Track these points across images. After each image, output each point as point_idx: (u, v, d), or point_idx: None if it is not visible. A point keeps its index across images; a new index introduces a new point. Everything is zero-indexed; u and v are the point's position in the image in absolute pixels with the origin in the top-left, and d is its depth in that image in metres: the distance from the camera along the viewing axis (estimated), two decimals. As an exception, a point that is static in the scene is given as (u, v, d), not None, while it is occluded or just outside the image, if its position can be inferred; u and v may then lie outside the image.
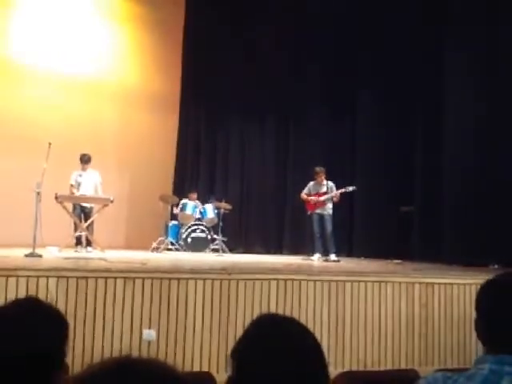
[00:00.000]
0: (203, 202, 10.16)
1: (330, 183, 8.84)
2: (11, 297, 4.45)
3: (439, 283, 5.98)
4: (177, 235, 9.92)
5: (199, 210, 10.02)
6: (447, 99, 8.87)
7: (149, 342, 4.99)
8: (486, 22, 8.21)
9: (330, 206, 8.79)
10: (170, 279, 5.22)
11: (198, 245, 9.59)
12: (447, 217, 8.71)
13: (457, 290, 5.97)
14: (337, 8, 10.22)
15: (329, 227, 8.72)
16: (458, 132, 8.67)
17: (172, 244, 9.78)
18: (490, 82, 8.20)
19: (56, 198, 8.19)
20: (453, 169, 8.71)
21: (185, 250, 9.52)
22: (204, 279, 5.32)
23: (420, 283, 5.92)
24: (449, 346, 5.81)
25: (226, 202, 9.96)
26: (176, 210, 10.02)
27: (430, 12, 9.15)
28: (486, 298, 1.59)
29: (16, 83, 10.18)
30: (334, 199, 8.74)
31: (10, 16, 10.26)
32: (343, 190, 8.75)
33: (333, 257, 8.59)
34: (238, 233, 10.47)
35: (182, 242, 9.68)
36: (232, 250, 9.82)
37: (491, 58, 8.14)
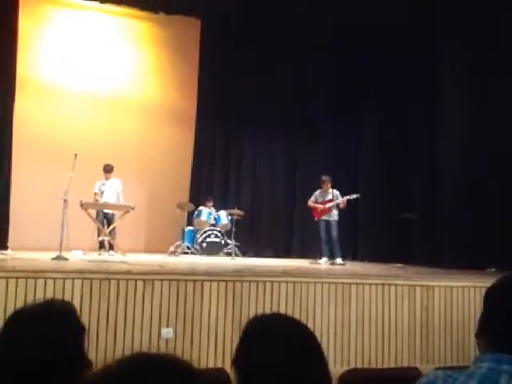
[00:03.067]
0: (217, 208, 10.18)
1: (336, 191, 8.82)
2: (40, 297, 4.47)
3: (439, 286, 5.93)
4: (193, 240, 9.93)
5: (214, 217, 10.03)
6: (445, 111, 8.86)
7: (167, 340, 5.00)
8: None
9: (335, 212, 8.78)
10: (186, 281, 5.22)
11: (213, 249, 9.60)
12: (446, 223, 8.68)
13: (456, 292, 5.93)
14: (339, 26, 10.22)
15: (335, 233, 8.70)
16: (455, 143, 8.65)
17: (188, 248, 9.79)
18: (487, 93, 8.17)
19: (81, 205, 8.25)
20: (451, 179, 8.69)
21: (200, 254, 9.53)
22: (218, 281, 5.32)
23: (421, 286, 5.87)
24: (448, 346, 5.76)
25: (238, 209, 9.96)
26: (192, 217, 10.04)
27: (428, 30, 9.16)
28: (487, 301, 1.57)
29: (47, 100, 10.28)
30: (341, 206, 8.72)
31: (42, 40, 10.37)
32: (348, 198, 8.73)
33: (339, 260, 8.56)
34: (249, 238, 10.45)
35: (197, 246, 9.69)
36: (244, 254, 9.82)
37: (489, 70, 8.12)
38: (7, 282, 4.70)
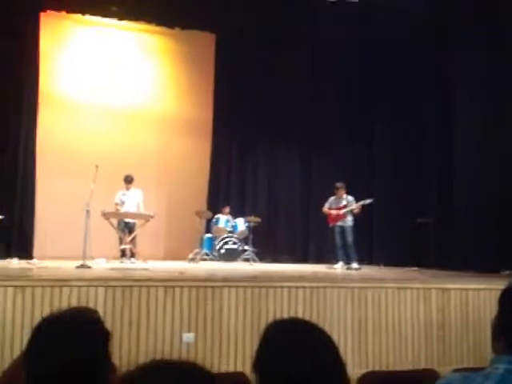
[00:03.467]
0: (234, 216, 10.19)
1: (350, 197, 8.79)
2: (65, 305, 4.52)
3: (455, 289, 5.87)
4: (211, 247, 9.95)
5: (231, 224, 10.05)
6: (458, 116, 8.81)
7: (188, 345, 5.01)
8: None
9: (350, 218, 8.73)
10: (205, 287, 5.24)
11: (231, 255, 9.61)
12: (460, 227, 8.60)
13: (471, 294, 5.86)
14: (352, 36, 10.22)
15: (350, 238, 8.66)
16: (469, 149, 8.59)
17: (207, 255, 9.81)
18: (501, 98, 8.11)
19: (103, 214, 8.32)
20: (464, 183, 8.64)
21: (218, 260, 9.54)
22: (236, 287, 5.33)
23: (437, 289, 5.82)
24: (465, 347, 5.70)
25: (255, 216, 9.96)
26: (210, 224, 10.07)
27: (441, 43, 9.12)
28: (502, 303, 1.56)
29: (69, 114, 10.38)
30: (355, 211, 8.67)
31: (63, 56, 10.50)
32: (362, 203, 8.68)
33: (354, 265, 8.51)
34: (266, 244, 10.44)
35: (215, 253, 9.70)
36: (261, 260, 9.80)
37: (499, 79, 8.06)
38: (33, 291, 4.76)
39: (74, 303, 4.66)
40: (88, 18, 10.34)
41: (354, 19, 9.74)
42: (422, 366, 5.41)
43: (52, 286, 4.82)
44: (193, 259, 9.44)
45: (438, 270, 8.02)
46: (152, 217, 8.81)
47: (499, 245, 7.86)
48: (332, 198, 8.89)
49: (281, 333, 1.35)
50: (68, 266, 6.68)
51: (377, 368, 5.29)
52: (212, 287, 5.25)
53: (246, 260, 9.61)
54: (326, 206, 8.90)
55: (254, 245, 9.84)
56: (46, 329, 1.38)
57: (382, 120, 10.50)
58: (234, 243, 9.74)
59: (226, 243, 9.70)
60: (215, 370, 0.79)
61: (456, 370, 1.63)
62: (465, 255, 8.23)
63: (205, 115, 10.99)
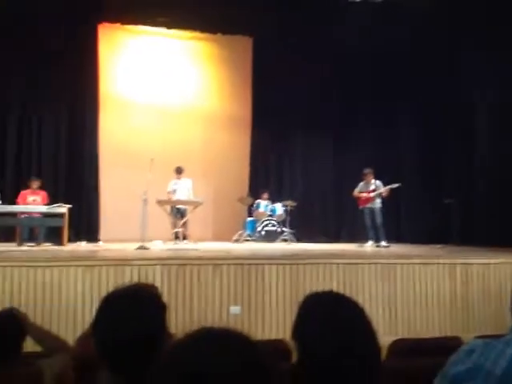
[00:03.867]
0: (273, 201, 10.19)
1: (378, 182, 8.66)
2: (126, 281, 4.64)
3: (477, 263, 5.74)
4: (253, 229, 10.00)
5: (270, 208, 10.06)
6: (477, 103, 8.55)
7: (235, 316, 5.07)
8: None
9: (378, 201, 8.61)
10: (249, 265, 5.28)
11: (271, 236, 9.63)
12: (481, 207, 8.41)
13: (493, 268, 5.72)
14: (376, 35, 10.00)
15: (379, 219, 8.54)
16: (490, 134, 8.33)
17: (249, 236, 9.87)
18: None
19: (158, 202, 8.45)
20: (484, 165, 8.43)
21: (260, 241, 9.57)
22: (277, 264, 5.35)
23: (460, 264, 5.71)
24: (487, 316, 5.58)
25: (291, 201, 9.95)
26: (251, 209, 10.11)
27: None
28: None
29: (126, 113, 10.56)
30: (384, 194, 8.55)
31: (119, 62, 10.66)
32: (389, 187, 8.54)
33: (384, 243, 8.39)
34: (302, 225, 10.39)
35: (257, 234, 9.74)
36: (298, 240, 9.79)
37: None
38: (100, 269, 4.90)
39: (135, 280, 4.78)
40: (140, 28, 10.46)
41: (377, 18, 9.50)
42: (448, 333, 5.33)
43: (115, 265, 4.96)
44: (237, 240, 9.52)
45: (462, 246, 7.84)
46: (201, 203, 8.90)
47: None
48: (361, 183, 8.78)
49: (316, 304, 1.35)
50: (129, 248, 6.83)
51: (406, 336, 5.24)
52: (255, 265, 5.29)
53: (285, 240, 9.62)
54: (357, 190, 8.81)
55: (291, 226, 9.83)
56: (112, 302, 1.40)
57: (406, 109, 10.24)
58: (273, 225, 9.75)
59: (266, 225, 9.73)
60: (259, 337, 0.80)
61: (478, 337, 1.59)
62: (486, 232, 8.03)
63: (244, 111, 10.99)
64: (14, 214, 7.89)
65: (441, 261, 5.74)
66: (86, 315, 4.71)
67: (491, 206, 8.16)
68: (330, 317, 1.27)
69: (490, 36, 8.08)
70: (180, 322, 4.78)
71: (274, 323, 5.05)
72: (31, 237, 7.97)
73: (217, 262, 5.27)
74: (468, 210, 8.62)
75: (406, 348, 2.52)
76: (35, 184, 8.27)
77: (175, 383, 0.66)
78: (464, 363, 1.39)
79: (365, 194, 8.65)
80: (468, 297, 5.60)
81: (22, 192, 8.25)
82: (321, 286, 5.22)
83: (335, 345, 1.21)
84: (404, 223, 10.11)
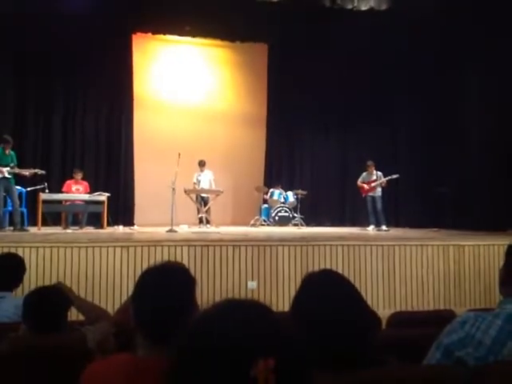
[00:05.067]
0: (285, 189, 10.16)
1: (379, 173, 8.58)
2: (158, 260, 4.70)
3: (469, 245, 5.67)
4: (268, 214, 10.00)
5: (283, 196, 10.04)
6: (470, 102, 8.36)
7: (252, 291, 5.10)
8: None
9: (379, 189, 8.55)
10: (264, 246, 5.30)
11: (283, 221, 9.61)
12: (473, 194, 8.26)
13: (483, 249, 5.65)
14: (375, 36, 9.82)
15: (379, 205, 8.47)
16: (481, 125, 8.15)
17: (264, 221, 9.87)
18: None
19: (185, 191, 8.51)
20: (476, 155, 8.25)
21: (274, 225, 9.57)
22: (289, 245, 5.36)
23: (453, 245, 5.64)
24: (477, 292, 5.52)
25: (302, 190, 9.92)
26: (266, 197, 10.11)
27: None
28: (507, 255, 1.50)
29: (156, 112, 10.57)
30: (383, 185, 8.49)
31: (150, 68, 10.67)
32: (389, 178, 8.47)
33: (384, 227, 8.34)
34: (311, 211, 10.37)
35: (271, 220, 9.74)
36: (308, 224, 9.77)
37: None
38: (135, 250, 4.97)
39: (166, 258, 4.83)
40: (168, 37, 10.44)
41: (381, 25, 9.33)
42: (442, 307, 5.29)
43: (148, 246, 5.02)
44: (253, 224, 9.53)
45: (455, 230, 7.74)
46: (221, 192, 8.93)
47: (506, 207, 7.50)
48: (364, 174, 8.71)
49: (312, 282, 1.35)
50: (160, 231, 6.90)
51: (403, 309, 5.22)
52: (269, 246, 5.30)
53: (295, 225, 9.60)
54: (360, 180, 8.75)
55: (302, 212, 9.80)
56: (149, 276, 1.41)
57: (403, 104, 10.05)
58: (286, 211, 9.73)
59: (279, 212, 9.71)
60: (273, 309, 0.80)
61: (470, 310, 1.58)
62: (477, 217, 7.90)
63: (260, 110, 10.94)
64: (59, 202, 7.99)
65: (435, 242, 5.68)
66: (123, 289, 4.78)
67: (482, 193, 8.02)
68: (323, 293, 1.26)
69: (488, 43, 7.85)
70: (204, 295, 4.81)
71: (286, 297, 5.07)
72: (75, 221, 8.07)
73: (236, 243, 5.30)
74: (460, 196, 8.50)
75: (404, 320, 2.50)
76: (78, 175, 8.36)
77: (203, 347, 0.67)
78: (457, 333, 1.38)
79: (367, 185, 8.59)
80: (460, 275, 5.55)
81: (67, 182, 8.35)
82: (328, 265, 5.22)
83: (328, 317, 1.21)
84: (402, 209, 10.00)
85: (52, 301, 2.10)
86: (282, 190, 10.11)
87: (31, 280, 4.53)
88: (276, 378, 0.63)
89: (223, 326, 0.68)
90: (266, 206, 10.13)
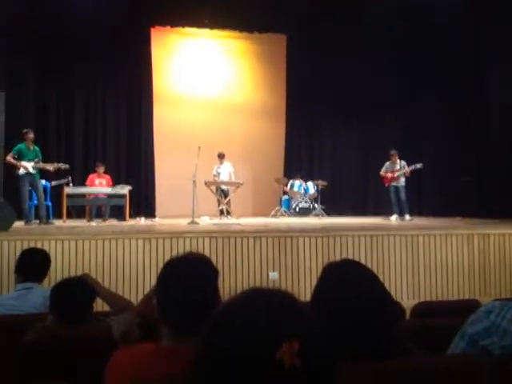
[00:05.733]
0: (306, 180, 10.10)
1: (403, 162, 8.43)
2: (180, 251, 4.75)
3: (494, 234, 5.54)
4: (288, 205, 9.98)
5: (303, 187, 9.99)
6: (492, 92, 8.14)
7: (273, 281, 5.11)
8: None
9: (402, 179, 8.41)
10: (285, 237, 5.29)
11: (304, 212, 9.59)
12: (497, 183, 8.06)
13: (508, 238, 5.51)
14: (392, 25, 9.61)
15: (402, 195, 8.35)
16: (504, 116, 7.94)
17: (285, 212, 9.86)
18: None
19: (205, 183, 8.56)
20: (499, 145, 8.05)
21: (294, 216, 9.56)
22: (310, 236, 5.33)
23: (478, 234, 5.52)
24: (503, 282, 5.40)
25: (322, 180, 9.85)
26: (286, 188, 10.08)
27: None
28: None
29: (175, 106, 10.61)
30: (406, 174, 8.36)
31: (169, 61, 10.70)
32: (413, 168, 8.31)
33: (407, 217, 8.22)
34: (332, 202, 10.30)
35: (292, 211, 9.73)
36: (329, 215, 9.71)
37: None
38: (157, 241, 5.03)
39: (187, 250, 4.86)
40: (187, 30, 10.45)
41: (402, 15, 9.13)
42: (466, 296, 5.20)
43: (170, 237, 5.07)
44: (274, 216, 9.53)
45: (479, 219, 7.58)
46: (241, 184, 8.95)
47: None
48: (387, 163, 8.58)
49: (333, 272, 1.34)
50: (181, 223, 6.97)
51: (427, 299, 5.15)
52: (291, 237, 5.29)
53: (316, 215, 9.57)
54: (383, 169, 8.62)
55: (322, 203, 9.75)
56: (172, 266, 1.41)
57: (428, 94, 9.85)
58: (306, 202, 9.70)
59: (299, 202, 9.69)
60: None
61: (495, 300, 1.54)
62: (502, 205, 7.72)
63: (279, 101, 10.88)
64: (83, 195, 8.15)
65: (460, 231, 5.57)
66: (146, 279, 4.86)
67: (506, 182, 7.84)
68: (344, 280, 1.25)
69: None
70: (226, 286, 4.85)
71: (308, 288, 5.06)
72: (98, 214, 8.23)
73: (256, 234, 5.30)
74: (485, 185, 8.31)
75: (428, 310, 2.47)
76: (101, 169, 8.50)
77: (229, 332, 0.67)
78: (482, 322, 1.35)
79: (390, 175, 8.47)
80: (485, 264, 5.43)
81: (90, 176, 8.50)
82: (349, 256, 5.17)
83: (350, 303, 1.20)
84: (425, 199, 9.84)
85: (78, 291, 2.15)
86: (302, 181, 10.06)
87: (57, 271, 4.64)
88: (301, 361, 0.63)
89: (248, 311, 0.69)
90: (286, 197, 10.10)
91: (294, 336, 0.65)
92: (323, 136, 10.86)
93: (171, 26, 10.20)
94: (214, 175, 9.18)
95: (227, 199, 8.95)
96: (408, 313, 2.42)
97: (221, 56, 11.02)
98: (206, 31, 10.42)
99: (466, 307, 2.07)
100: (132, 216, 8.27)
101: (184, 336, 1.29)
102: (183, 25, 10.25)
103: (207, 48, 10.90)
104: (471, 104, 8.82)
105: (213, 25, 10.16)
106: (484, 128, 8.47)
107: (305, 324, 0.69)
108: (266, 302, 0.71)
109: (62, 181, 7.91)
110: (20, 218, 6.49)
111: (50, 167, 7.34)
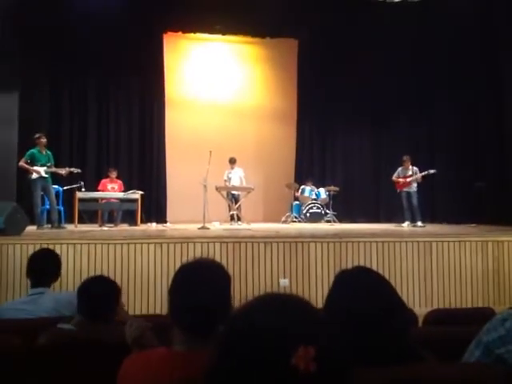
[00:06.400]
0: (317, 186, 10.08)
1: (415, 168, 8.39)
2: (191, 256, 4.77)
3: (508, 241, 5.47)
4: (299, 211, 9.95)
5: (314, 193, 9.96)
6: (506, 98, 8.06)
7: (284, 288, 5.10)
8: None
9: (415, 185, 8.36)
10: (296, 242, 5.28)
11: (315, 218, 9.55)
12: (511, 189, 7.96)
13: (523, 246, 5.43)
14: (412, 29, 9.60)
15: (415, 201, 8.29)
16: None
17: (296, 218, 9.83)
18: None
19: (216, 188, 8.58)
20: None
21: (305, 222, 9.53)
22: (321, 242, 5.32)
23: (492, 241, 5.45)
24: (518, 290, 5.32)
25: (334, 186, 9.82)
26: (297, 193, 10.07)
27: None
28: None
29: (187, 111, 10.66)
30: (418, 180, 8.32)
31: (182, 67, 10.78)
32: (426, 173, 8.26)
33: (419, 223, 8.15)
34: (344, 208, 10.25)
35: (303, 216, 9.70)
36: (340, 221, 9.67)
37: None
38: (168, 246, 5.05)
39: (198, 255, 4.88)
40: (198, 35, 10.53)
41: (414, 17, 9.11)
42: (480, 305, 5.13)
43: (181, 243, 5.09)
44: (285, 221, 9.52)
45: (494, 225, 7.48)
46: (252, 189, 8.96)
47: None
48: (400, 169, 8.54)
49: (345, 279, 1.33)
50: (192, 228, 6.98)
51: (441, 306, 5.09)
52: (302, 242, 5.28)
53: (328, 221, 9.53)
54: (395, 175, 8.58)
55: (334, 209, 9.71)
56: (186, 272, 1.42)
57: (440, 98, 9.79)
58: (318, 208, 9.66)
59: (311, 208, 9.65)
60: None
61: (511, 308, 1.53)
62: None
63: (290, 106, 10.89)
64: (95, 200, 8.22)
65: (473, 238, 5.51)
66: (157, 284, 4.88)
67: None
68: (355, 290, 1.25)
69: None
70: (236, 292, 4.82)
71: (319, 294, 5.03)
72: (110, 219, 8.29)
73: (267, 240, 5.30)
74: (499, 191, 8.21)
75: (441, 317, 2.45)
76: (113, 174, 8.58)
77: (244, 337, 0.68)
78: (497, 331, 1.34)
79: (402, 180, 8.43)
80: (499, 272, 5.36)
81: (102, 181, 8.59)
82: (361, 262, 5.13)
83: (360, 316, 1.19)
84: (438, 205, 9.75)
85: (104, 289, 2.19)
86: (314, 187, 10.04)
87: (69, 276, 4.69)
88: (317, 367, 0.64)
89: (264, 316, 0.69)
90: (297, 202, 10.09)
91: (310, 341, 0.65)
92: (335, 141, 10.83)
93: (183, 32, 10.30)
94: (225, 180, 9.20)
95: (238, 204, 8.97)
96: (420, 320, 2.40)
97: (232, 61, 11.08)
98: (217, 36, 10.50)
99: (481, 315, 2.05)
100: (143, 221, 8.32)
101: (197, 341, 1.30)
102: (195, 30, 10.34)
103: (219, 53, 10.98)
104: (485, 109, 8.75)
105: (224, 30, 10.23)
106: (498, 133, 8.38)
107: (321, 328, 0.70)
108: (282, 307, 0.71)
109: (74, 185, 7.99)
110: (32, 222, 6.57)
111: (63, 171, 7.43)
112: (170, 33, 10.17)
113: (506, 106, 8.20)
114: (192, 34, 10.46)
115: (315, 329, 0.69)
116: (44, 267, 2.84)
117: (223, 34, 10.36)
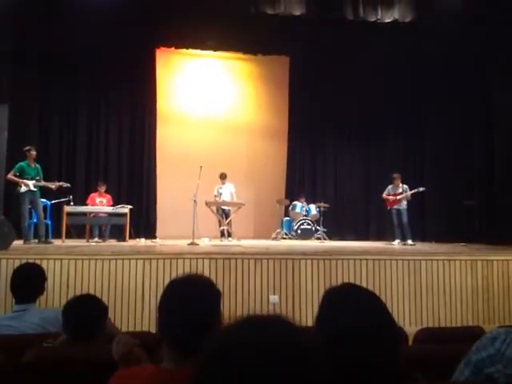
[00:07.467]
0: (308, 202, 10.11)
1: (405, 186, 8.48)
2: (180, 272, 4.73)
3: (497, 259, 5.52)
4: (289, 228, 9.95)
5: (305, 209, 9.99)
6: (496, 116, 8.22)
7: (274, 304, 5.07)
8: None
9: (405, 202, 8.43)
10: (286, 259, 5.28)
11: (305, 234, 9.55)
12: (501, 208, 8.06)
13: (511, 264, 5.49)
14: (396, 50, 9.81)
15: (405, 219, 8.34)
16: (507, 141, 7.99)
17: (286, 234, 9.82)
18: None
19: (206, 203, 8.56)
20: (504, 171, 8.06)
21: (296, 239, 9.52)
22: (311, 259, 5.32)
23: (482, 260, 5.50)
24: (506, 309, 5.35)
25: (324, 203, 9.86)
26: (288, 210, 10.08)
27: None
28: None
29: (178, 126, 10.69)
30: (408, 198, 8.40)
31: (173, 82, 10.82)
32: (415, 191, 8.36)
33: (409, 242, 8.19)
34: (334, 225, 10.28)
35: (293, 233, 9.69)
36: (331, 238, 9.68)
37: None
38: (157, 262, 5.02)
39: (187, 271, 4.85)
40: (191, 51, 10.63)
41: (403, 37, 9.32)
42: (470, 323, 5.15)
43: (170, 258, 5.06)
44: (275, 238, 9.50)
45: (483, 244, 7.56)
46: (243, 204, 8.96)
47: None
48: (390, 186, 8.62)
49: (333, 297, 1.33)
50: (181, 244, 6.95)
51: (430, 325, 5.10)
52: (292, 259, 5.28)
53: (318, 238, 9.53)
54: (385, 192, 8.65)
55: (324, 225, 9.74)
56: (175, 287, 1.41)
57: (431, 117, 9.98)
58: (308, 224, 9.68)
59: (301, 224, 9.66)
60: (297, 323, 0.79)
61: (500, 327, 1.54)
62: (505, 231, 7.70)
63: (281, 123, 10.98)
64: (84, 214, 8.16)
65: (463, 257, 5.55)
66: (145, 300, 4.83)
67: (510, 207, 7.84)
68: (345, 306, 1.24)
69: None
70: (226, 309, 4.82)
71: (309, 311, 5.02)
72: (98, 233, 8.22)
73: (257, 256, 5.29)
74: (488, 210, 8.31)
75: (431, 336, 2.45)
76: (102, 188, 8.54)
77: (221, 365, 0.67)
78: (487, 350, 1.35)
79: (392, 198, 8.50)
80: (489, 290, 5.40)
81: (91, 195, 8.53)
82: (351, 280, 5.14)
83: (350, 331, 1.19)
84: (428, 223, 9.83)
85: (90, 308, 2.15)
86: (305, 203, 10.07)
87: (55, 292, 4.62)
88: None
89: (242, 343, 0.68)
90: (287, 218, 10.09)
91: (295, 377, 0.64)
92: (325, 158, 10.92)
93: (175, 47, 10.41)
94: (215, 195, 9.19)
95: (228, 220, 8.94)
96: (410, 339, 2.40)
97: (224, 77, 11.18)
98: (209, 53, 10.62)
99: (470, 334, 2.06)
100: (132, 236, 8.26)
101: (185, 358, 1.29)
102: (187, 46, 10.45)
103: (211, 69, 11.07)
104: (475, 129, 8.91)
105: (216, 46, 10.36)
106: (488, 152, 8.52)
107: (307, 362, 0.67)
108: (262, 334, 0.70)
109: (63, 199, 7.93)
110: (19, 236, 6.49)
111: (52, 185, 7.38)
112: (162, 48, 10.26)
113: (496, 124, 8.36)
114: (184, 50, 10.56)
115: (302, 365, 0.67)
116: (28, 282, 2.78)
117: (215, 50, 10.49)
